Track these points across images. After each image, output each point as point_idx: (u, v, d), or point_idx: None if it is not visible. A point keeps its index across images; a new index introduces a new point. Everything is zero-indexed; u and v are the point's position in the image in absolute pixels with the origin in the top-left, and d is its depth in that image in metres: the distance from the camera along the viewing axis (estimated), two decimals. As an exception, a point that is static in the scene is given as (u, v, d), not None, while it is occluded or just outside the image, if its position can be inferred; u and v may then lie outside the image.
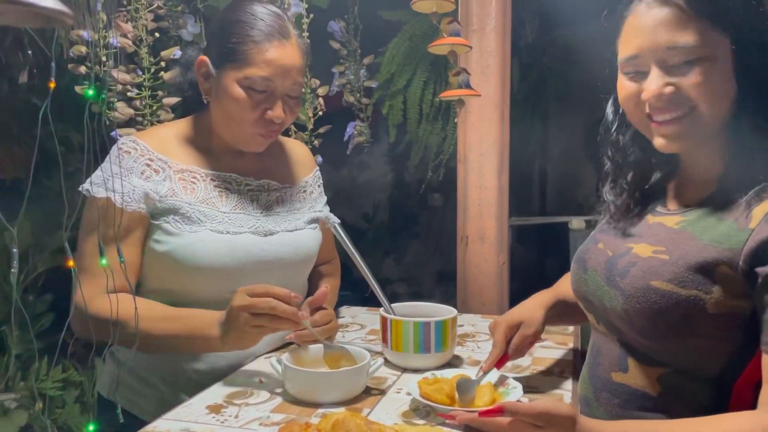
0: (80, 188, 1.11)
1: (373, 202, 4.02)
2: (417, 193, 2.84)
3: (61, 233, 0.85)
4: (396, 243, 4.05)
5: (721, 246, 0.83)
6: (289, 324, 1.03)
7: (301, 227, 1.28)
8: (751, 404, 0.82)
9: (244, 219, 1.20)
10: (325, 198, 1.42)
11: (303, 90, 1.22)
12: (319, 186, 1.41)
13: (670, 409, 0.87)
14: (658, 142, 0.90)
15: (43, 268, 2.17)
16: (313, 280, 1.39)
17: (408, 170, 2.85)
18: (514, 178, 2.18)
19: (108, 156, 1.12)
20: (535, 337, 1.08)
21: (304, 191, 1.35)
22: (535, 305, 1.11)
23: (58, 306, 2.21)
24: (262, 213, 1.23)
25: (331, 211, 1.41)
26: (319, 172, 1.43)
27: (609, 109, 1.01)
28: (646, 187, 1.01)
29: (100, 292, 1.04)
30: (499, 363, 1.05)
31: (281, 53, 1.13)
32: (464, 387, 0.97)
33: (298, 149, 1.41)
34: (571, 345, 1.27)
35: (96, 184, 1.09)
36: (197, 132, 1.23)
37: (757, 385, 0.81)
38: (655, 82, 0.86)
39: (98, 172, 1.09)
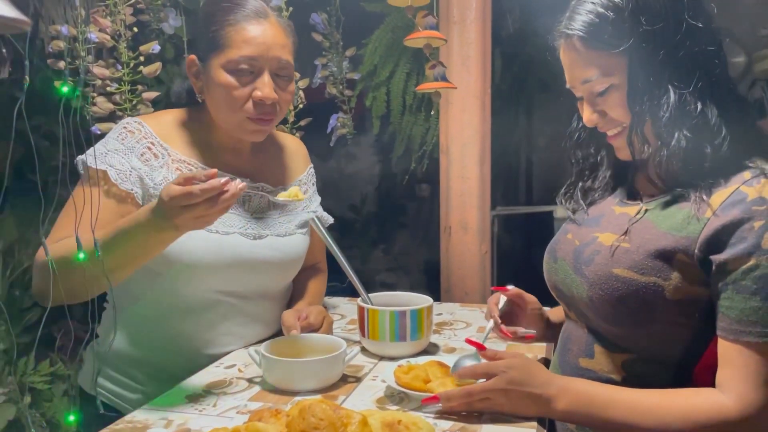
0: (76, 160, 1.08)
1: (361, 193, 4.03)
2: (404, 185, 2.84)
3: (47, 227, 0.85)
4: (384, 233, 4.06)
5: (678, 234, 0.85)
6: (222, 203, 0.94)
7: (291, 232, 1.27)
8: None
9: (235, 220, 1.19)
10: (319, 198, 1.41)
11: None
12: (313, 184, 1.40)
13: None
14: (616, 150, 0.99)
15: (28, 263, 2.17)
16: (301, 280, 1.37)
17: (394, 162, 2.85)
18: (500, 169, 2.18)
19: (110, 132, 1.12)
20: (528, 306, 1.13)
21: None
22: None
23: (44, 300, 2.21)
24: (253, 215, 1.23)
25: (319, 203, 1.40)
26: (313, 170, 1.41)
27: (575, 116, 1.06)
28: (612, 181, 1.05)
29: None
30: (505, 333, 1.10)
31: (260, 30, 1.13)
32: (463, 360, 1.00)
33: (294, 146, 1.39)
34: (542, 355, 1.23)
35: (92, 156, 1.07)
36: (199, 125, 1.22)
37: (716, 370, 0.84)
38: (585, 112, 0.96)
39: (99, 145, 1.08)
